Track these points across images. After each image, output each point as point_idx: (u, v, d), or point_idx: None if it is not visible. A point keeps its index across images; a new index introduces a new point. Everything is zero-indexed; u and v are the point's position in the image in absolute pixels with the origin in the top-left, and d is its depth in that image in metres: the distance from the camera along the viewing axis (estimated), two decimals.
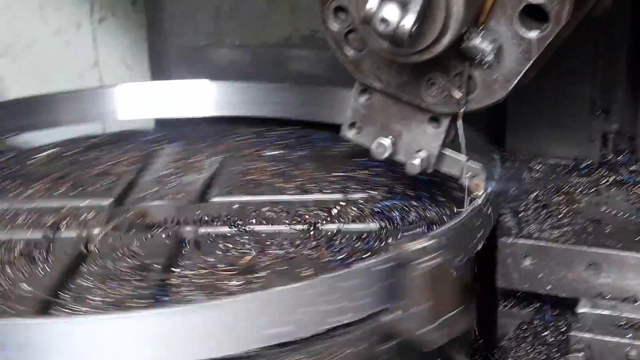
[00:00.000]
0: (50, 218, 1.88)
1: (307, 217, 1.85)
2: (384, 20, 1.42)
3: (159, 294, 1.53)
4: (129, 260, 1.69)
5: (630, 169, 2.15)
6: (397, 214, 1.86)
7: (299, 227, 1.82)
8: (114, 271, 1.64)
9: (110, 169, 2.16)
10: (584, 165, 2.19)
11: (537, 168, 2.19)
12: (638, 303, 1.72)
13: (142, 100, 2.44)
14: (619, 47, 2.19)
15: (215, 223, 1.84)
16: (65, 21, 2.93)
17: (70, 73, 2.92)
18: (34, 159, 2.27)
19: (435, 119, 1.71)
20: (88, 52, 3.03)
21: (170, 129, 2.50)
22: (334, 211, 1.87)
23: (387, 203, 1.91)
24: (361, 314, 1.39)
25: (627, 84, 2.24)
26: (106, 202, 1.94)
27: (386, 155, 1.76)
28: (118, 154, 2.27)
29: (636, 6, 2.14)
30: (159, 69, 2.67)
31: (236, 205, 1.91)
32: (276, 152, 2.27)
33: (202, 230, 1.81)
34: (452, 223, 1.57)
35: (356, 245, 1.73)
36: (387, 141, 1.75)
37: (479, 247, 1.68)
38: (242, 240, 1.77)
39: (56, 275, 1.61)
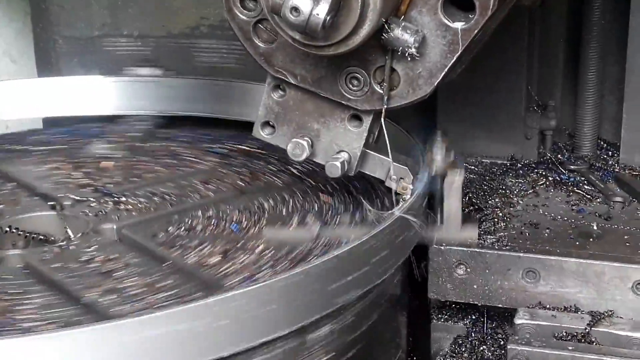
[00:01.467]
0: None
1: None
2: (295, 9, 1.41)
3: None
4: None
5: (570, 167, 2.21)
6: None
7: None
8: None
9: None
10: (520, 164, 2.26)
11: (471, 168, 2.24)
12: (579, 312, 1.78)
13: (27, 98, 2.42)
14: (555, 39, 2.27)
15: None
16: None
17: None
18: None
19: (356, 116, 1.73)
20: None
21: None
22: None
23: None
24: None
25: (565, 78, 2.32)
26: None
27: (304, 157, 1.77)
28: None
29: (574, 5, 2.23)
30: (47, 63, 2.65)
31: None
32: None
33: None
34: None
35: None
36: (304, 142, 1.76)
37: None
38: None
39: None
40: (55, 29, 2.61)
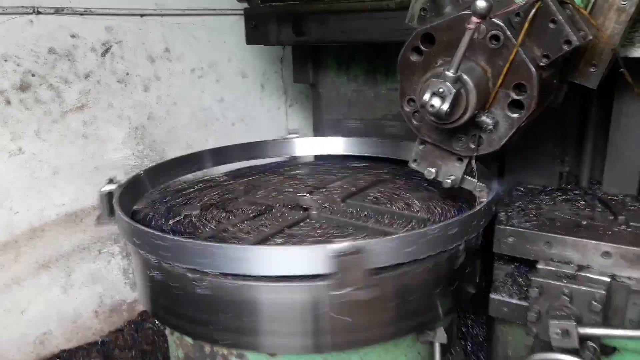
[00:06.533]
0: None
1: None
2: (432, 106, 1.46)
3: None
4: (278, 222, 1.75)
5: (574, 192, 2.09)
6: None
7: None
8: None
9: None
10: (548, 189, 2.14)
11: (520, 189, 2.15)
12: (571, 265, 1.70)
13: (309, 146, 2.53)
14: (570, 125, 2.14)
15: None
16: (273, 106, 3.08)
17: (274, 132, 3.09)
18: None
19: (460, 158, 1.72)
20: (283, 122, 3.16)
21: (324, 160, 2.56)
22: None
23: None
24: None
25: (575, 145, 2.18)
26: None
27: (432, 177, 1.77)
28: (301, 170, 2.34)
29: (582, 104, 2.10)
30: (318, 131, 2.74)
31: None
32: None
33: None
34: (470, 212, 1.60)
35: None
36: (433, 170, 1.76)
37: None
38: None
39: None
40: (322, 115, 2.71)
